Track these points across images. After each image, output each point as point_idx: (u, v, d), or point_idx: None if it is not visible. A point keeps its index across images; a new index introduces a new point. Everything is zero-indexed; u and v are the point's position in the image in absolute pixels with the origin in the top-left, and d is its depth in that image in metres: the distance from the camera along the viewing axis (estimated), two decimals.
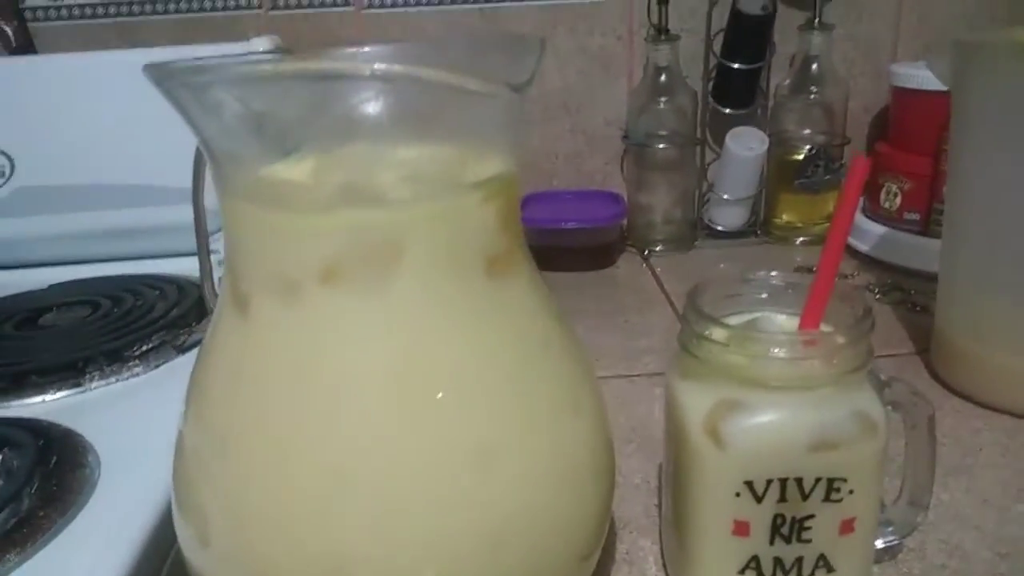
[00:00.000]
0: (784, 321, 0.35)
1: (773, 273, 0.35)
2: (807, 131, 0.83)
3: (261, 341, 0.27)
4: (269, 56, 0.32)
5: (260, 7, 0.82)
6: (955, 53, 0.49)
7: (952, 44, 0.49)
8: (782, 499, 0.31)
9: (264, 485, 0.26)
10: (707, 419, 0.31)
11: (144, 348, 0.56)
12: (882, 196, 0.78)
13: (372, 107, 0.25)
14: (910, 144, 0.76)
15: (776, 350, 0.30)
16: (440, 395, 0.25)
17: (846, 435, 0.30)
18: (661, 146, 0.82)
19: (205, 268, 0.35)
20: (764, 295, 0.36)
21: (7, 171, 0.72)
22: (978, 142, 0.49)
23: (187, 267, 0.58)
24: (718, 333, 0.31)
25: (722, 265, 0.83)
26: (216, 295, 0.30)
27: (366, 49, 0.34)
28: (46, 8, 0.80)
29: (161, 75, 0.24)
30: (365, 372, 0.25)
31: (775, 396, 0.31)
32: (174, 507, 0.30)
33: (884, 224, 0.77)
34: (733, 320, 0.35)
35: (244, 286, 0.27)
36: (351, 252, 0.25)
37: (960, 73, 0.49)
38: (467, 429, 0.26)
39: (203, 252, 0.35)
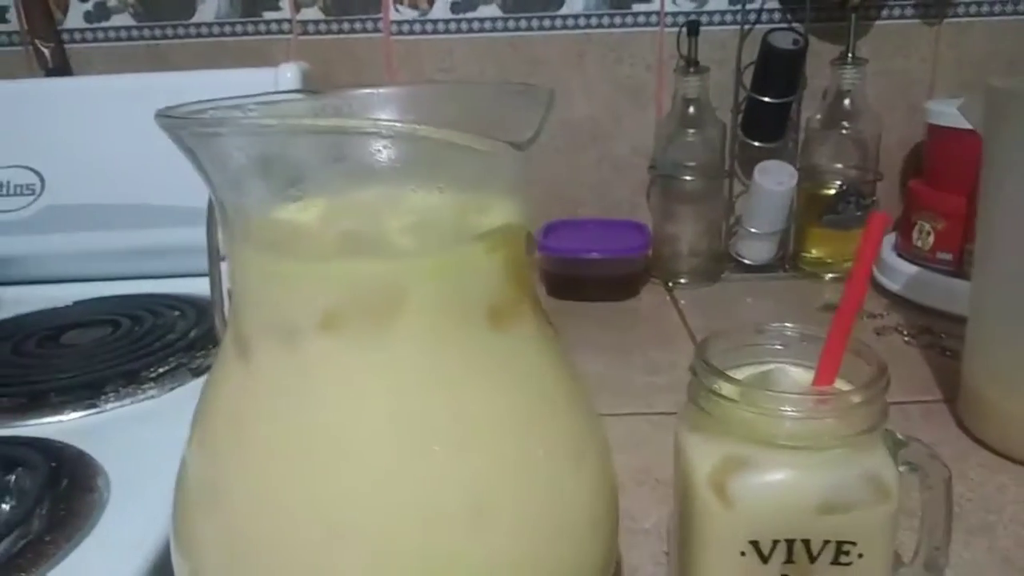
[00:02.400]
0: (798, 374, 0.34)
1: (788, 324, 0.35)
2: (838, 166, 0.81)
3: (260, 385, 0.27)
4: (286, 97, 0.32)
5: (290, 32, 0.82)
6: (988, 98, 0.48)
7: (985, 89, 0.48)
8: (788, 560, 0.30)
9: (257, 531, 0.26)
10: (713, 474, 0.31)
11: (161, 370, 0.56)
12: (914, 234, 0.76)
13: (378, 157, 0.24)
14: (945, 183, 0.74)
15: (787, 408, 0.30)
16: (436, 448, 0.25)
17: (856, 499, 0.30)
18: (688, 177, 0.81)
19: (217, 300, 0.35)
20: (778, 346, 0.35)
21: (37, 188, 0.73)
22: (1009, 189, 0.48)
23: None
24: (728, 388, 0.30)
25: (749, 300, 0.82)
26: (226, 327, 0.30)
27: (381, 91, 0.34)
28: (82, 30, 0.82)
29: (171, 124, 0.24)
30: (361, 422, 0.25)
31: (785, 455, 0.30)
32: (172, 540, 0.30)
33: (916, 263, 0.76)
34: (746, 372, 0.34)
35: (246, 330, 0.27)
36: (352, 301, 0.25)
37: (992, 118, 0.48)
38: (462, 483, 0.25)
39: (215, 283, 0.35)
